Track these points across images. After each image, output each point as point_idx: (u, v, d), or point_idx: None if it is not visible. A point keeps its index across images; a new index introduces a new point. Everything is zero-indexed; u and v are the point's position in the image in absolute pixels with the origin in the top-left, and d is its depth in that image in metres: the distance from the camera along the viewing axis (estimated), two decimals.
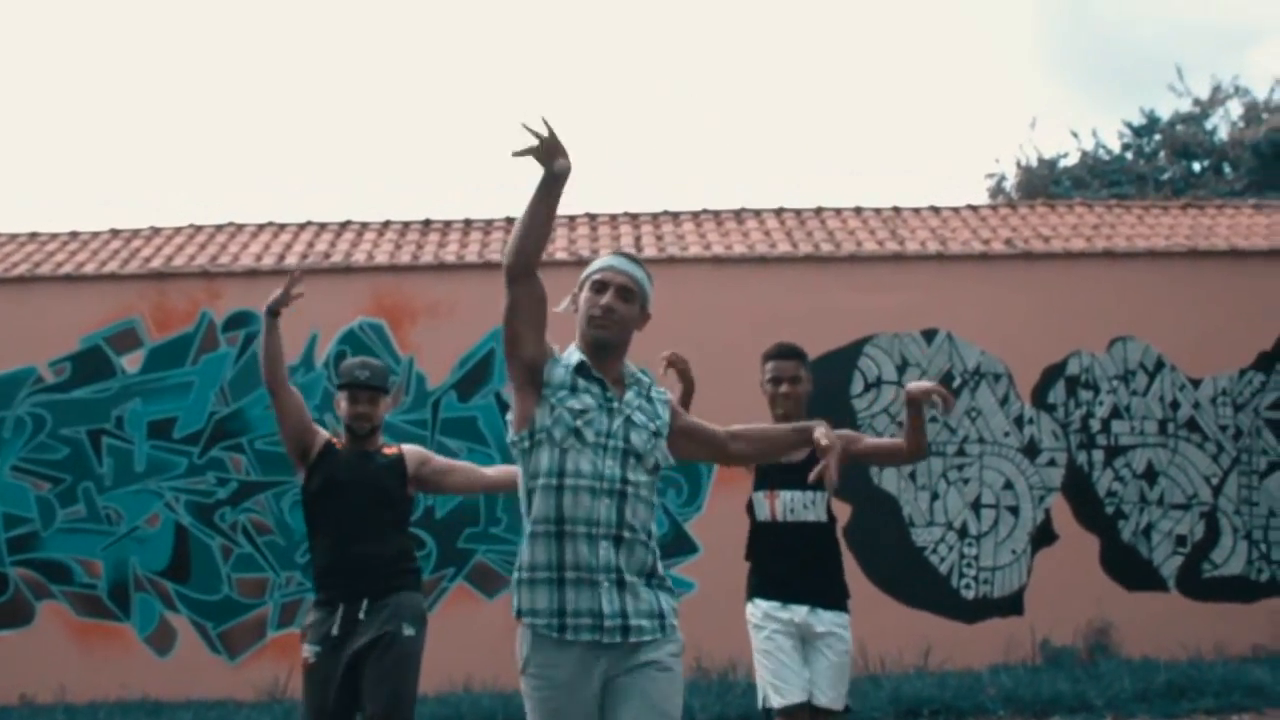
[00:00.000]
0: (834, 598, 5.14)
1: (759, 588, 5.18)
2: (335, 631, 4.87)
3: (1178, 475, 10.87)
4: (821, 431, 3.65)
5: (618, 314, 3.52)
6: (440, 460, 5.31)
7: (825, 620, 5.06)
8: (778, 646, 5.06)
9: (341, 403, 5.16)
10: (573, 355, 3.57)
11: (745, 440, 3.82)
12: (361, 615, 4.87)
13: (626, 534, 3.42)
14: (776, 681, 5.02)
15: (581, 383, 3.51)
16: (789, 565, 5.09)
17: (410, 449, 5.26)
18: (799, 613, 5.05)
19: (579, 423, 3.45)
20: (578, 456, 3.43)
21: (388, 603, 4.91)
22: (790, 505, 5.10)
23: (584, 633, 3.39)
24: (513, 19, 43.74)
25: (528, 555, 3.47)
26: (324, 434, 5.20)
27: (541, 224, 3.37)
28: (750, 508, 5.26)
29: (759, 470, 5.20)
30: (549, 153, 3.31)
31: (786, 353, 5.30)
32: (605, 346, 3.54)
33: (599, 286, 3.56)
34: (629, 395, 3.55)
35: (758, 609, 5.14)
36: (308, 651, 4.92)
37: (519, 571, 3.52)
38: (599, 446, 3.44)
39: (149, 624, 10.39)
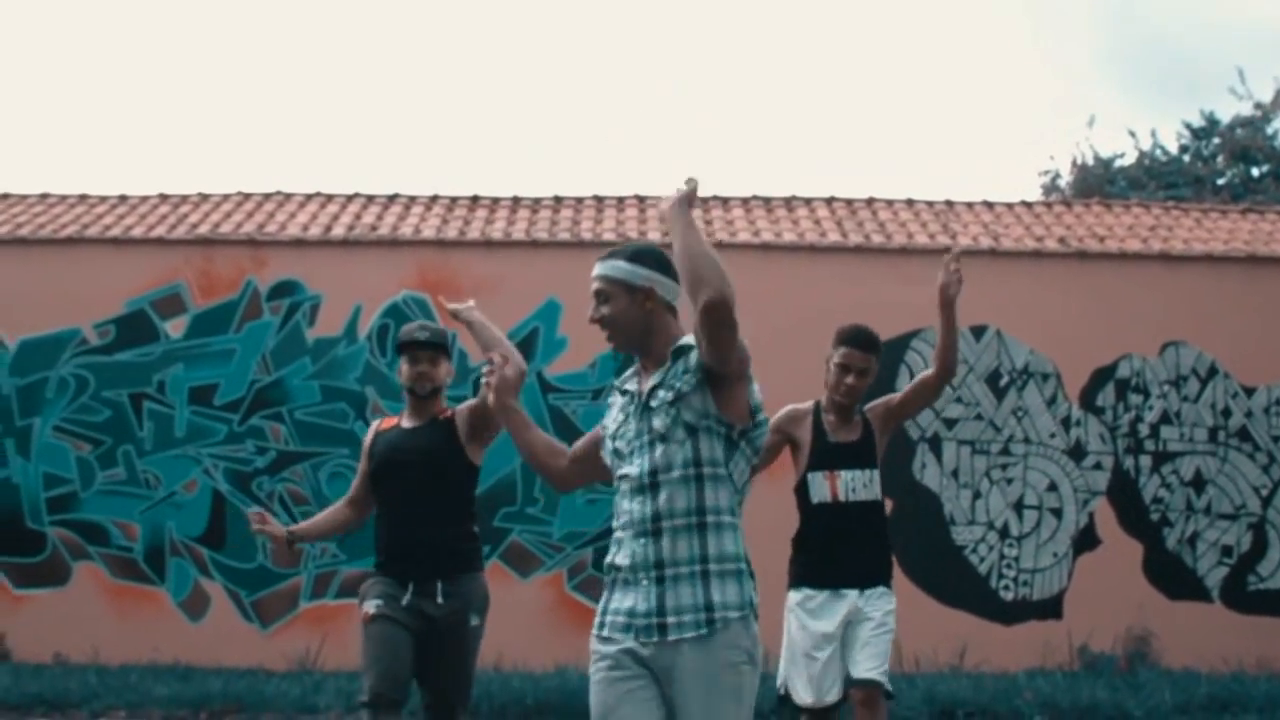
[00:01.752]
0: (883, 576, 5.15)
1: (807, 574, 5.13)
2: (407, 602, 4.88)
3: (1226, 484, 10.67)
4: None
5: (606, 318, 3.46)
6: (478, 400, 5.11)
7: (872, 595, 5.05)
8: (810, 646, 5.02)
9: (404, 367, 5.13)
10: (626, 375, 3.60)
11: None
12: (439, 599, 4.89)
13: (665, 523, 3.30)
14: (806, 681, 4.98)
15: (620, 400, 3.53)
16: (847, 547, 5.09)
17: (461, 408, 5.17)
18: (850, 596, 5.02)
19: (617, 443, 3.46)
20: (620, 464, 3.44)
21: (460, 589, 4.93)
22: (851, 485, 5.10)
23: (617, 630, 3.33)
24: (568, 3, 43.65)
25: (607, 558, 3.49)
26: (369, 434, 5.28)
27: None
28: (802, 490, 5.18)
29: (814, 451, 5.13)
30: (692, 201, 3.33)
31: (865, 343, 5.18)
32: (626, 350, 3.52)
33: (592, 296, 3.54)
34: (653, 377, 3.42)
35: (800, 595, 5.11)
36: (371, 606, 4.90)
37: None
38: (631, 451, 3.40)
39: (183, 589, 10.42)
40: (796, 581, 5.17)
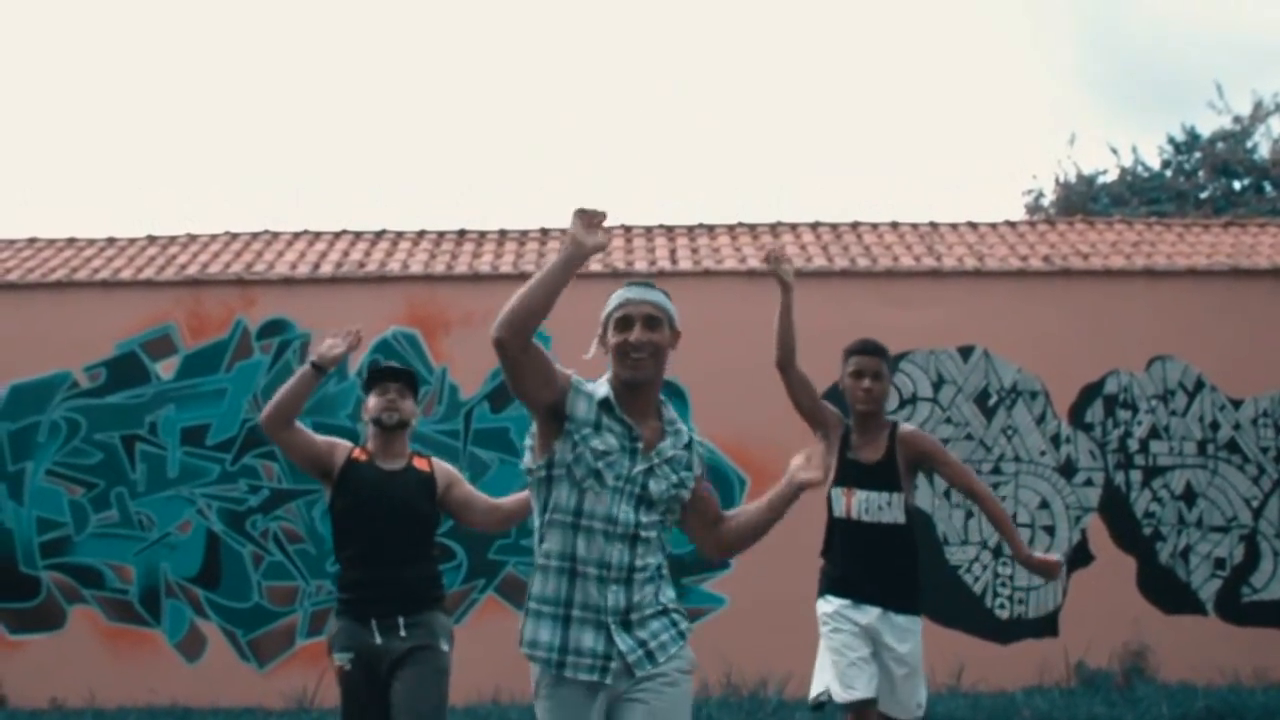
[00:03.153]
0: (907, 601, 5.16)
1: (832, 585, 5.19)
2: (378, 641, 4.84)
3: (1217, 497, 10.72)
4: (805, 475, 3.42)
5: (651, 345, 3.43)
6: (464, 488, 5.16)
7: (897, 625, 5.08)
8: (847, 645, 5.07)
9: (371, 399, 5.06)
10: (599, 389, 3.48)
11: (733, 523, 3.61)
12: (402, 632, 4.85)
13: (637, 576, 3.41)
14: (846, 678, 5.02)
15: (605, 420, 3.44)
16: (863, 566, 5.13)
17: (441, 466, 5.16)
18: (871, 614, 5.06)
19: (600, 464, 3.39)
20: (595, 498, 3.38)
21: (423, 620, 4.90)
22: (866, 505, 5.12)
23: (583, 671, 3.35)
24: (549, 33, 43.85)
25: (537, 586, 3.45)
26: (343, 447, 5.08)
27: (552, 295, 3.26)
28: (829, 501, 5.24)
29: (840, 467, 5.18)
30: (593, 224, 3.27)
31: (872, 349, 5.29)
32: (642, 385, 3.45)
33: (624, 323, 3.46)
34: (664, 444, 3.48)
35: (830, 604, 5.16)
36: (342, 659, 4.89)
37: (528, 601, 3.49)
38: (617, 490, 3.38)
39: (179, 630, 10.40)
40: (823, 590, 5.24)
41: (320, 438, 5.08)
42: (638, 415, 3.46)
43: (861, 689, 5.02)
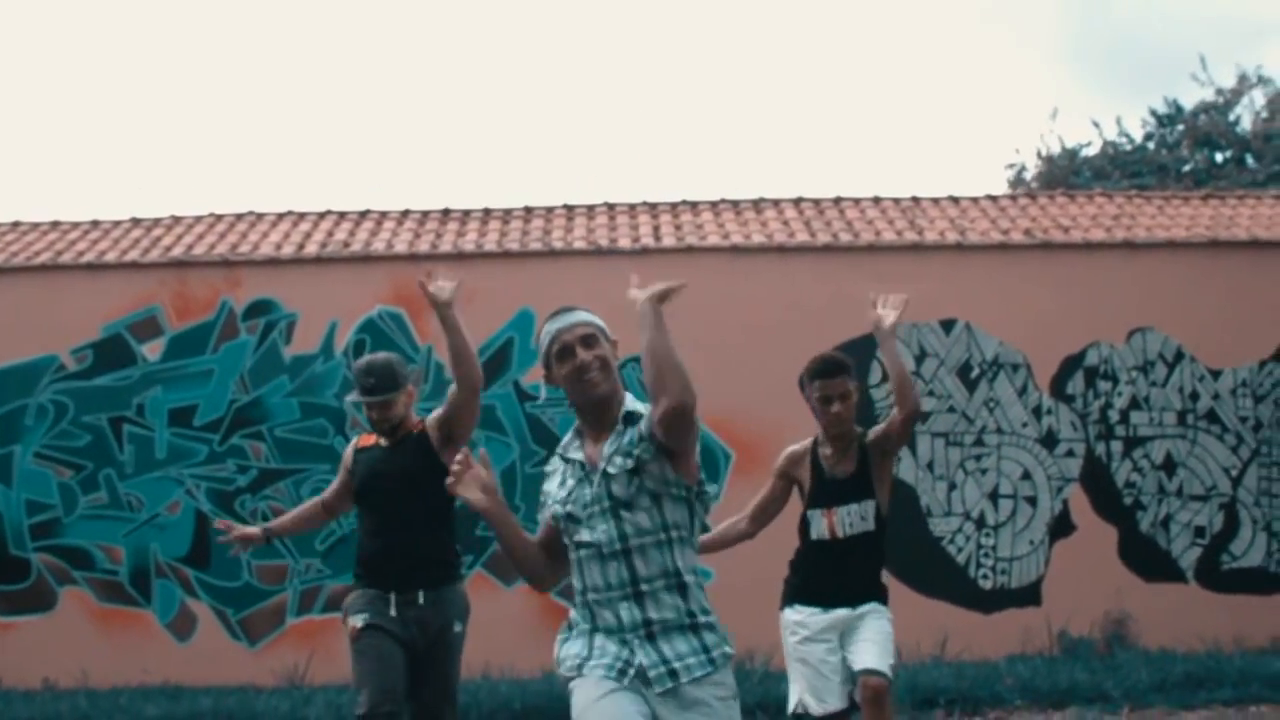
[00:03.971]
0: (875, 596, 5.19)
1: (797, 594, 5.20)
2: (394, 612, 4.98)
3: (1197, 466, 10.84)
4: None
5: (598, 360, 3.46)
6: (442, 409, 5.19)
7: (861, 610, 5.11)
8: (813, 654, 5.09)
9: (365, 407, 5.26)
10: (565, 442, 3.61)
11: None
12: (421, 602, 5.00)
13: (645, 587, 3.38)
14: (816, 690, 5.06)
15: (563, 467, 3.55)
16: (839, 579, 5.12)
17: (430, 418, 5.22)
18: (841, 614, 5.09)
19: (569, 507, 3.46)
20: (577, 530, 3.45)
21: (441, 596, 5.06)
22: (848, 520, 5.10)
23: (600, 670, 3.36)
24: (531, 8, 43.73)
25: (573, 615, 3.54)
26: (349, 449, 5.40)
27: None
28: (804, 525, 5.22)
29: (813, 488, 5.17)
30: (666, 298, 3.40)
31: (832, 370, 5.12)
32: (605, 400, 3.48)
33: (564, 352, 3.48)
34: (607, 447, 3.45)
35: (797, 613, 5.17)
36: (358, 619, 4.99)
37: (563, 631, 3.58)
38: (590, 516, 3.43)
39: (170, 610, 10.47)
40: (789, 599, 5.23)
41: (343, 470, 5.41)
42: (605, 432, 3.49)
43: (834, 701, 5.07)
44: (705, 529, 3.52)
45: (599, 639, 3.42)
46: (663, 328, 3.32)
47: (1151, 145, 23.25)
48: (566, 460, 3.56)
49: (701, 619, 3.43)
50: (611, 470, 3.40)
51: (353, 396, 5.27)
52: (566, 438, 3.61)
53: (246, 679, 10.13)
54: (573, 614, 3.53)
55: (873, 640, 5.05)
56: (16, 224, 12.33)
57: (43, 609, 10.47)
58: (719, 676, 3.41)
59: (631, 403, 3.51)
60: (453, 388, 5.12)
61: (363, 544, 5.20)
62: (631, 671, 3.34)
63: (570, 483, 3.50)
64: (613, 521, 3.39)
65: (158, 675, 10.13)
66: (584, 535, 3.42)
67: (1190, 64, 34.20)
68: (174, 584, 10.49)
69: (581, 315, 3.54)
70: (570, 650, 3.47)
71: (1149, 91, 41.32)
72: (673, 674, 3.34)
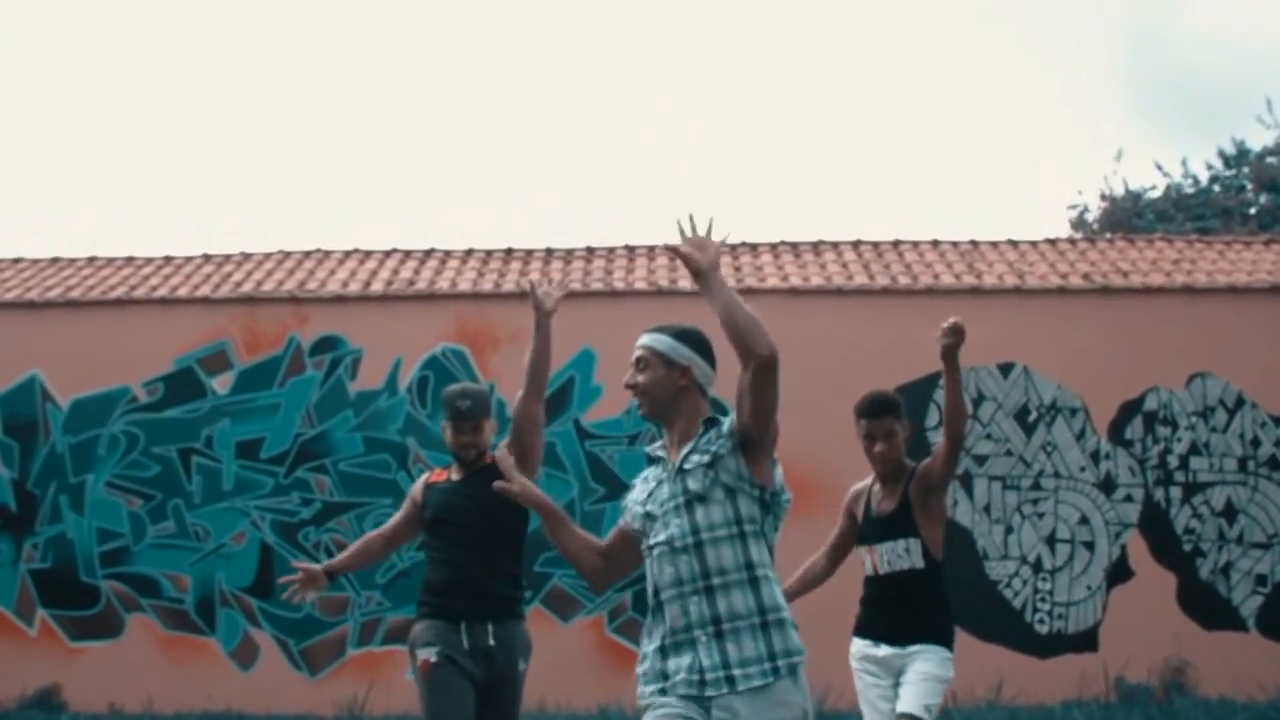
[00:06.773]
0: (924, 637, 5.15)
1: (856, 626, 5.30)
2: (466, 645, 5.01)
3: (1258, 513, 10.76)
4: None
5: (638, 386, 3.60)
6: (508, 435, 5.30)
7: (910, 651, 5.13)
8: (869, 687, 5.16)
9: (449, 433, 5.30)
10: (656, 444, 3.72)
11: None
12: (491, 641, 5.04)
13: (716, 580, 3.41)
14: None
15: (647, 470, 3.68)
16: (886, 614, 5.17)
17: (500, 449, 5.29)
18: (886, 650, 5.14)
19: (649, 506, 3.55)
20: (654, 530, 3.52)
21: (509, 632, 5.10)
22: (889, 557, 5.14)
23: (681, 687, 3.39)
24: (594, 52, 44.15)
25: (648, 619, 3.55)
26: (417, 484, 5.42)
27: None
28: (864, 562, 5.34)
29: (861, 526, 5.25)
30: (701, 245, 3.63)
31: (878, 410, 5.17)
32: (651, 418, 3.65)
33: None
34: (687, 447, 3.54)
35: (855, 646, 5.26)
36: (430, 654, 5.00)
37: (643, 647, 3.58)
38: (666, 513, 3.50)
39: (233, 639, 10.66)
40: (853, 631, 5.33)
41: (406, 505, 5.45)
42: (686, 440, 3.59)
43: None
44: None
45: (671, 655, 3.42)
46: (730, 290, 3.48)
47: (1216, 188, 23.04)
48: (651, 460, 3.67)
49: (772, 616, 3.41)
50: (688, 466, 3.50)
51: (448, 408, 5.27)
52: (658, 442, 3.71)
53: (307, 709, 10.29)
54: (648, 619, 3.54)
55: (912, 683, 5.09)
56: (92, 259, 12.65)
57: (111, 635, 10.69)
58: (781, 689, 3.35)
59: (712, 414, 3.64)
60: (516, 405, 5.21)
61: (433, 574, 5.22)
62: (707, 677, 3.34)
63: (651, 484, 3.60)
64: (686, 515, 3.46)
65: (220, 702, 10.31)
66: (659, 534, 3.49)
67: (1256, 105, 33.77)
68: (238, 613, 10.69)
69: (646, 339, 3.67)
70: (649, 665, 3.48)
71: (1214, 134, 40.98)
72: (730, 680, 3.35)
